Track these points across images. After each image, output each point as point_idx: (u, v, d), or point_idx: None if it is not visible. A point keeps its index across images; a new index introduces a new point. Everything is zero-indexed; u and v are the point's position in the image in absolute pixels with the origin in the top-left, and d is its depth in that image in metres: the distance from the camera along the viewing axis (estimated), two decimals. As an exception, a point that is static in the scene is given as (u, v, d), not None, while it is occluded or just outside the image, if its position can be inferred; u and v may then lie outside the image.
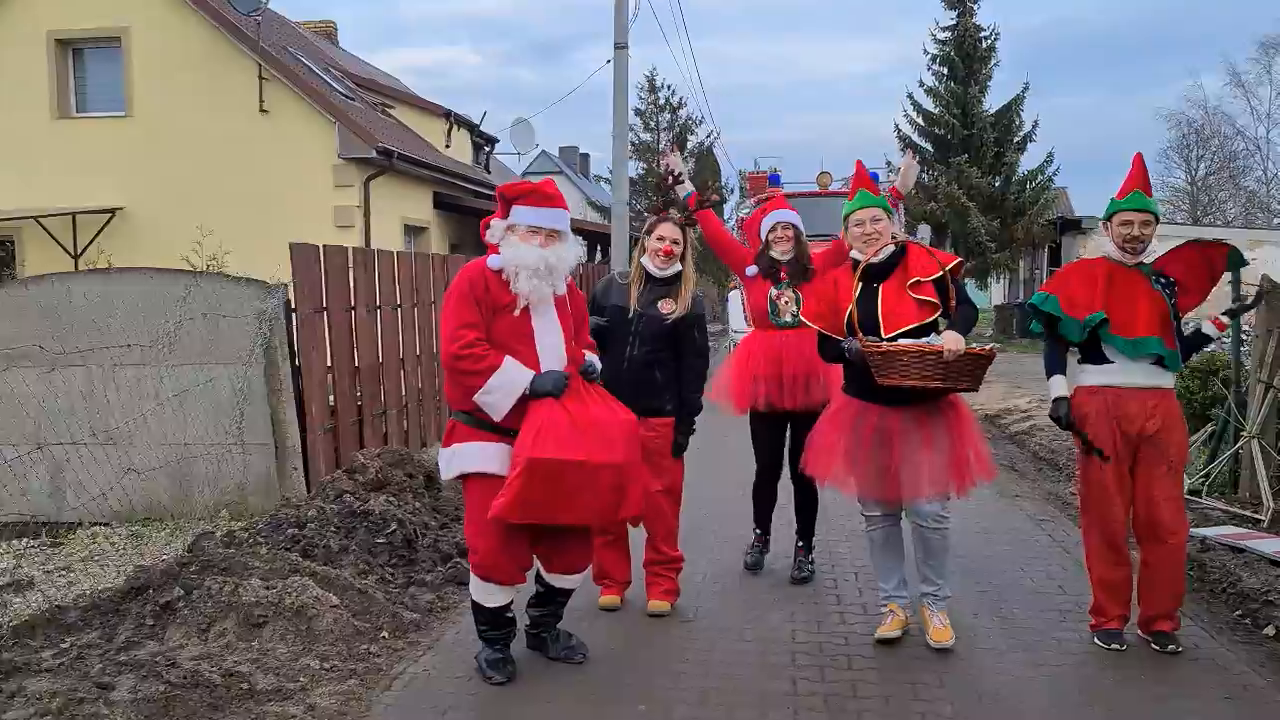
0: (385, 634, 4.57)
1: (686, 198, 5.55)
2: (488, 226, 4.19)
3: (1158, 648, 4.50)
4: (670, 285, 4.98)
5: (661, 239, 4.93)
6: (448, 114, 22.38)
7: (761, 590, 5.43)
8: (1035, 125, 30.19)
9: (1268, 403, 7.02)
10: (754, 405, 5.44)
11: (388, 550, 5.51)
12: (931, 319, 4.43)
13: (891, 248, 4.53)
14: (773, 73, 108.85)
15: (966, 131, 29.65)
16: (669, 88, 41.16)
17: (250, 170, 16.35)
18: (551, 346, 4.12)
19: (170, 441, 7.20)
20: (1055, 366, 4.72)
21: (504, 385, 3.97)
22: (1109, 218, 4.60)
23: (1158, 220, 4.56)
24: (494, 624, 4.25)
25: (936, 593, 4.61)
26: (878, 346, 4.26)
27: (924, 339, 4.32)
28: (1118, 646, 4.53)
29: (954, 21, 30.49)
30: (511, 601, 4.27)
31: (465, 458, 4.13)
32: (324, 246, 7.74)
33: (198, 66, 16.52)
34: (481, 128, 24.85)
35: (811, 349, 5.20)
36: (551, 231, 4.10)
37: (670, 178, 5.53)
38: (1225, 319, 4.72)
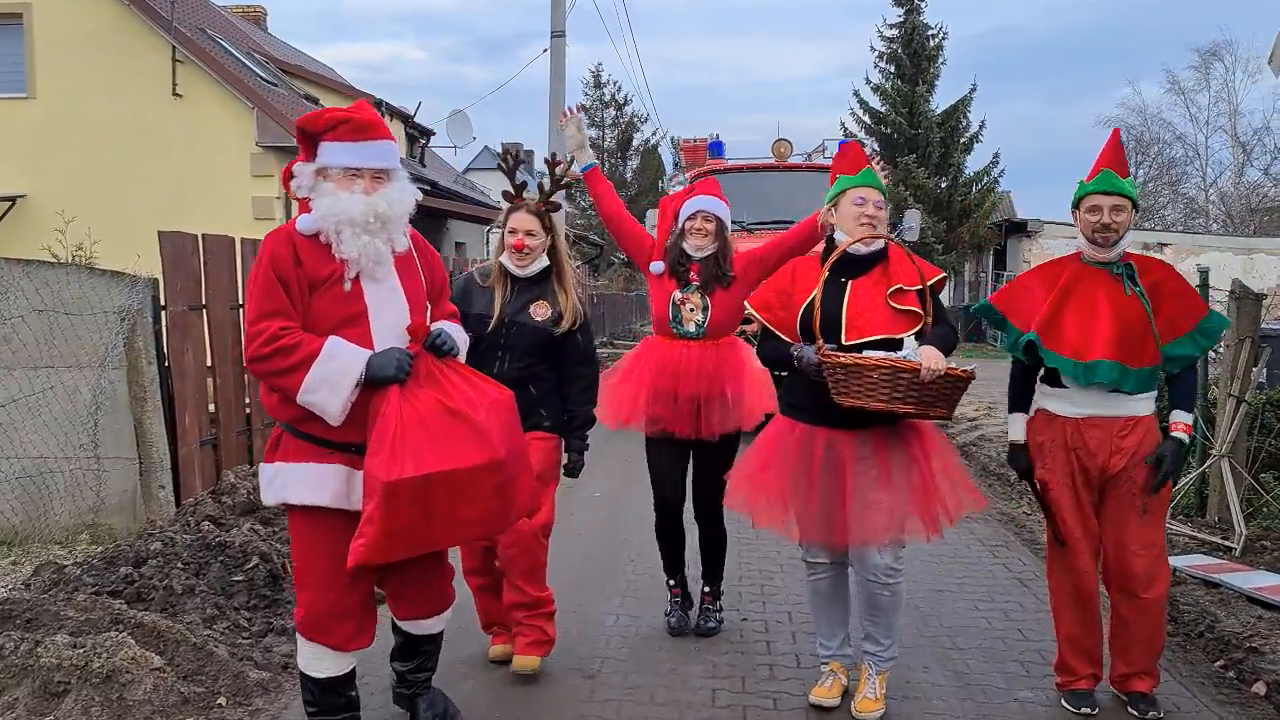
0: (222, 700, 3.76)
1: (587, 169, 4.70)
2: (291, 176, 3.16)
3: (1136, 714, 3.84)
4: (540, 285, 4.14)
5: (514, 231, 4.07)
6: (379, 104, 21.41)
7: (681, 638, 4.68)
8: (983, 126, 30.01)
9: (1239, 418, 6.45)
10: (644, 427, 4.54)
11: (246, 590, 4.70)
12: (904, 335, 3.60)
13: (881, 242, 3.73)
14: (723, 74, 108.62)
15: (913, 131, 29.37)
16: (614, 83, 40.54)
17: (163, 157, 15.49)
18: (391, 325, 3.13)
19: (16, 455, 6.31)
20: (1015, 398, 3.98)
21: (329, 376, 2.98)
22: (1077, 204, 3.83)
23: (1136, 207, 3.81)
24: (324, 705, 3.30)
25: (880, 654, 3.85)
26: (840, 357, 3.44)
27: (894, 354, 3.47)
28: (1089, 710, 3.86)
29: (901, 19, 30.27)
30: (351, 673, 3.33)
31: (288, 482, 3.14)
32: (203, 236, 6.91)
33: (105, 46, 15.60)
34: (416, 119, 23.96)
35: (714, 366, 4.41)
36: (377, 172, 3.13)
37: (510, 158, 4.35)
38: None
